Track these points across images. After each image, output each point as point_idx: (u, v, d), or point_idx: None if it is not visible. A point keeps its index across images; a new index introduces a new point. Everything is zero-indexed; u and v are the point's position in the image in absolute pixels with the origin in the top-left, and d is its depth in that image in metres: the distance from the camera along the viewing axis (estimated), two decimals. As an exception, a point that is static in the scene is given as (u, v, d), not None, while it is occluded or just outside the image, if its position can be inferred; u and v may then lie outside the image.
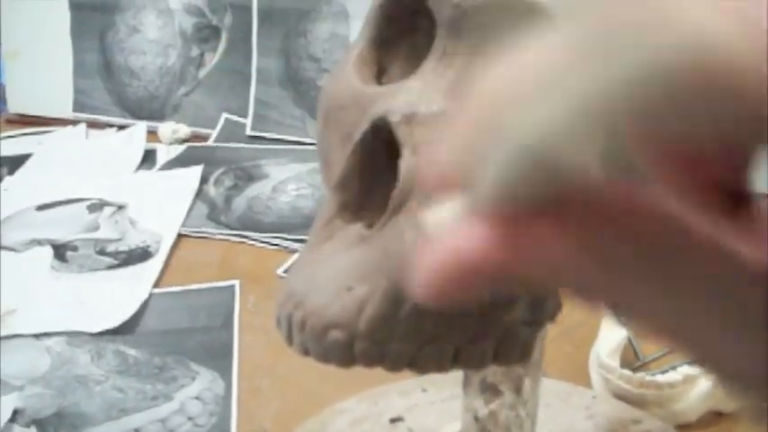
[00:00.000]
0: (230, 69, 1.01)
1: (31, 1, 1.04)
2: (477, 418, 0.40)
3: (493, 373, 0.38)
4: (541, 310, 0.31)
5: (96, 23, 1.04)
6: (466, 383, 0.40)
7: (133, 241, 0.79)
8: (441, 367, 0.30)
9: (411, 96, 0.31)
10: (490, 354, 0.31)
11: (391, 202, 0.30)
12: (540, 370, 0.40)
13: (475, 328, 0.30)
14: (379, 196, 0.31)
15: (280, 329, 0.32)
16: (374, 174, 0.32)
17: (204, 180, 0.89)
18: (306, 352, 0.31)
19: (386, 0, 0.35)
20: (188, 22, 1.01)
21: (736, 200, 0.18)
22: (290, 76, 0.97)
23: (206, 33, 1.01)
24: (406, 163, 0.30)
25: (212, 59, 1.01)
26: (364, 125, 0.32)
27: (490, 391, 0.39)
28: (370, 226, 0.31)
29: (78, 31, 1.04)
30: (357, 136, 0.32)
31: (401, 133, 0.30)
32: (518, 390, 0.39)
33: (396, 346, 0.29)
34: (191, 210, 0.84)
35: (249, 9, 0.98)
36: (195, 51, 1.01)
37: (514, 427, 0.40)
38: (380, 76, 0.35)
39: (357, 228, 0.31)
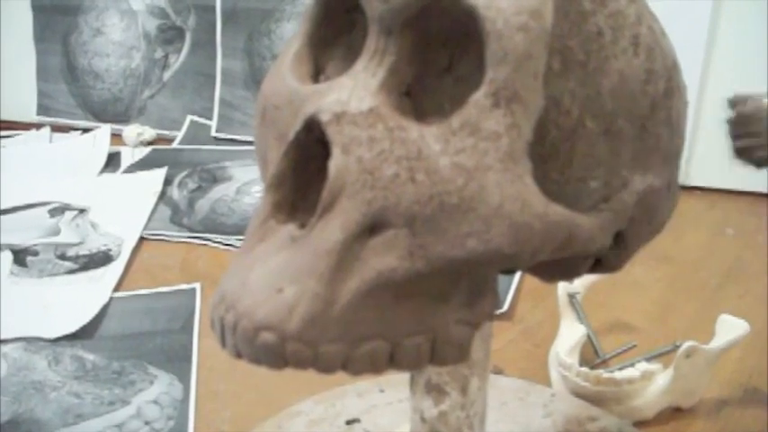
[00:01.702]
0: (195, 71, 1.00)
1: (-8, 4, 1.03)
2: (423, 419, 0.39)
3: (438, 373, 0.38)
4: (478, 309, 0.31)
5: (59, 26, 1.03)
6: (412, 384, 0.39)
7: (94, 245, 0.78)
8: (376, 368, 0.30)
9: (342, 95, 0.30)
10: (426, 354, 0.31)
11: (321, 203, 0.29)
12: (486, 370, 0.39)
13: (409, 328, 0.30)
14: (313, 196, 0.31)
15: (214, 332, 0.32)
16: (308, 174, 0.32)
17: (168, 182, 0.88)
18: (238, 354, 0.31)
19: (322, -3, 0.34)
20: (151, 24, 1.00)
21: None
22: (255, 76, 0.97)
23: (170, 35, 1.00)
24: (335, 162, 0.29)
25: (176, 61, 1.00)
26: (297, 125, 0.31)
27: (436, 391, 0.38)
28: (303, 226, 0.31)
29: (41, 34, 1.04)
30: (290, 136, 0.32)
31: (331, 132, 0.30)
32: (464, 390, 0.38)
33: (327, 347, 0.29)
34: (153, 213, 0.83)
35: (213, 10, 0.98)
36: (159, 53, 1.01)
37: (465, 428, 0.40)
38: (318, 74, 0.35)
39: (289, 228, 0.31)
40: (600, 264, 0.35)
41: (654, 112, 0.33)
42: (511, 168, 0.28)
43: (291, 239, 0.30)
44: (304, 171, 0.32)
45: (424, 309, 0.30)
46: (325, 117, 0.30)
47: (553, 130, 0.30)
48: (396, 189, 0.28)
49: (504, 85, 0.28)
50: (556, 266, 0.33)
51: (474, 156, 0.28)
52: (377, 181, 0.28)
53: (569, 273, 0.34)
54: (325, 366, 0.29)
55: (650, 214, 0.34)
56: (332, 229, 0.29)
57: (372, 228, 0.29)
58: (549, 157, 0.30)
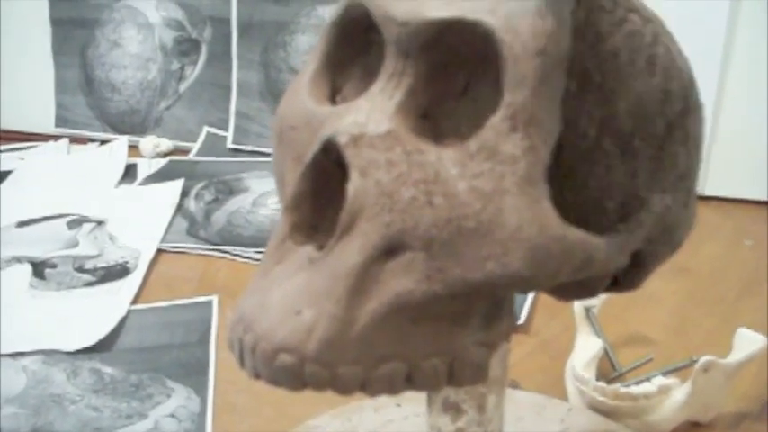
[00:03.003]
0: (210, 82, 1.00)
1: (12, 17, 1.04)
2: (441, 437, 0.39)
3: (455, 391, 0.38)
4: (495, 331, 0.31)
5: (77, 39, 1.04)
6: (429, 402, 0.40)
7: (112, 257, 0.78)
8: (393, 389, 0.30)
9: (359, 117, 0.30)
10: (444, 375, 0.31)
11: (339, 225, 0.29)
12: (503, 387, 0.39)
13: (427, 349, 0.30)
14: (331, 218, 0.31)
15: (232, 352, 0.32)
16: (327, 195, 0.32)
17: (185, 194, 0.89)
18: (257, 375, 0.31)
19: (339, 18, 0.35)
20: (168, 36, 1.01)
21: None
22: (271, 88, 0.97)
23: (186, 47, 1.01)
24: (353, 185, 0.29)
25: (193, 73, 1.01)
26: (315, 146, 0.31)
27: (453, 409, 0.38)
28: (321, 248, 0.31)
29: (59, 47, 1.04)
30: (308, 157, 0.32)
31: (349, 154, 0.30)
32: (481, 408, 0.38)
33: (346, 368, 0.29)
34: (170, 225, 0.84)
35: (228, 22, 0.98)
36: (175, 65, 1.01)
37: (481, 445, 0.40)
38: (335, 95, 0.35)
39: (307, 250, 0.31)
40: (617, 283, 0.35)
41: (671, 131, 0.33)
42: (528, 192, 0.28)
43: (309, 261, 0.30)
44: (322, 192, 0.32)
45: (442, 331, 0.30)
46: (342, 139, 0.30)
47: (570, 151, 0.30)
48: (414, 212, 0.28)
49: (521, 108, 0.28)
50: (573, 287, 0.33)
51: (491, 179, 0.28)
52: (395, 204, 0.29)
53: (586, 292, 0.34)
54: (344, 388, 0.30)
55: (668, 234, 0.34)
56: (350, 252, 0.29)
57: (390, 250, 0.29)
58: (566, 178, 0.31)
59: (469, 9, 0.29)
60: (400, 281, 0.29)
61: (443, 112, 0.31)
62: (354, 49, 0.35)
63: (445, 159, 0.29)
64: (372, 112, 0.30)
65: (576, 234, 0.29)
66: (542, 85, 0.28)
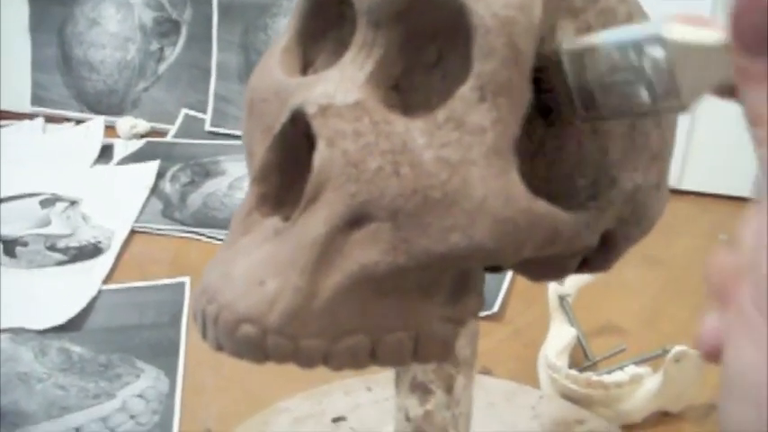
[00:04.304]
0: (190, 64, 1.00)
1: (-12, -7, 1.03)
2: (408, 418, 0.39)
3: (423, 371, 0.37)
4: (462, 307, 0.30)
5: (55, 16, 1.02)
6: (397, 382, 0.39)
7: (84, 237, 0.77)
8: (357, 363, 0.30)
9: (328, 87, 0.30)
10: (409, 350, 0.30)
11: (305, 195, 0.29)
12: (472, 369, 0.39)
13: (391, 323, 0.29)
14: (298, 190, 0.30)
15: (196, 324, 0.32)
16: (295, 167, 0.31)
17: (160, 176, 0.88)
18: (219, 347, 0.30)
19: (312, -10, 0.34)
20: (148, 16, 1.00)
21: None
22: (250, 71, 0.96)
23: (166, 27, 1.00)
24: (320, 155, 0.29)
25: (172, 54, 1.00)
26: (283, 117, 0.31)
27: (421, 390, 0.38)
28: (287, 219, 0.30)
29: (37, 25, 1.03)
30: (277, 128, 0.31)
31: (316, 125, 0.29)
32: (449, 389, 0.38)
33: (308, 341, 0.29)
34: (145, 206, 0.83)
35: (209, 3, 0.97)
36: (155, 46, 1.00)
37: (450, 428, 0.40)
38: (307, 68, 0.35)
39: (274, 221, 0.30)
40: (587, 263, 0.35)
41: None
42: (495, 163, 0.27)
43: (275, 232, 0.30)
44: (290, 164, 0.31)
45: (407, 305, 0.29)
46: (310, 109, 0.30)
47: (541, 126, 0.30)
48: (380, 182, 0.28)
49: (490, 79, 0.28)
50: (542, 265, 0.33)
51: (458, 150, 0.27)
52: (361, 174, 0.28)
53: (556, 272, 0.34)
54: (306, 360, 0.29)
55: (639, 214, 0.34)
56: (315, 222, 0.28)
57: (356, 221, 0.28)
58: (537, 153, 0.30)
59: (441, -22, 0.29)
60: (365, 252, 0.28)
61: (415, 83, 0.31)
62: (327, 22, 0.34)
63: (413, 130, 0.28)
64: (342, 83, 0.30)
65: (543, 207, 0.29)
66: (512, 57, 0.28)
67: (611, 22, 0.31)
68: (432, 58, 0.31)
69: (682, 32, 0.26)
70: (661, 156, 0.34)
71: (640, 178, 0.32)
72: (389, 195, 0.28)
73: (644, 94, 0.27)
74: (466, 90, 0.28)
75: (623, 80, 0.27)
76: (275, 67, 0.34)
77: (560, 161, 0.30)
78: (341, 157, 0.28)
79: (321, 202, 0.29)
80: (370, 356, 0.30)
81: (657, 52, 0.26)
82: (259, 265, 0.29)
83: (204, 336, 0.31)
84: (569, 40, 0.29)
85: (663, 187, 0.35)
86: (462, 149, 0.27)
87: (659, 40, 0.26)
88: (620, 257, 0.36)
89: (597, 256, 0.34)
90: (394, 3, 0.30)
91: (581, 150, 0.31)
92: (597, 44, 0.28)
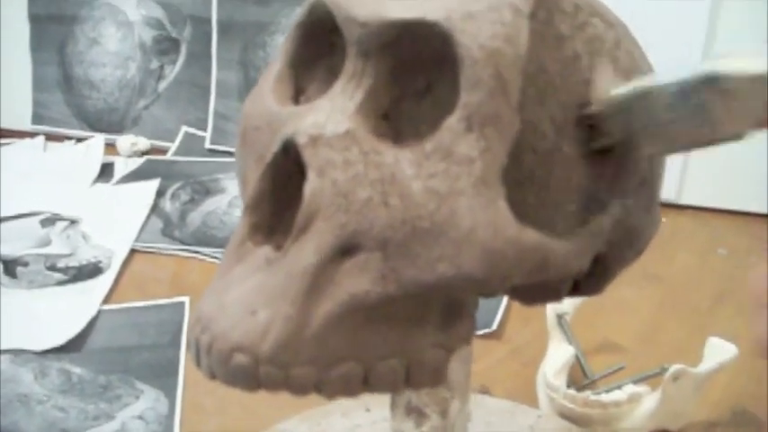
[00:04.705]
0: (190, 82, 1.00)
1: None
2: (403, 441, 0.39)
3: (418, 395, 0.37)
4: (453, 333, 0.31)
5: (55, 35, 1.03)
6: (393, 406, 0.39)
7: (84, 256, 0.78)
8: (349, 391, 0.30)
9: (319, 117, 0.30)
10: (401, 377, 0.30)
11: (296, 225, 0.29)
12: (467, 392, 0.39)
13: (383, 351, 0.30)
14: (291, 219, 0.31)
15: (190, 352, 0.32)
16: (287, 196, 0.32)
17: (161, 194, 0.88)
18: (213, 376, 0.31)
19: (304, 19, 0.35)
20: (148, 35, 1.01)
21: None
22: (250, 88, 0.96)
23: (165, 46, 1.00)
24: (311, 185, 0.29)
25: (172, 72, 1.00)
26: (275, 146, 0.31)
27: (416, 413, 0.38)
28: (279, 248, 0.31)
29: (38, 44, 1.04)
30: (268, 158, 0.31)
31: (307, 155, 0.29)
32: (444, 413, 0.38)
33: (300, 369, 0.29)
34: (145, 224, 0.83)
35: (208, 21, 0.98)
36: (155, 64, 1.01)
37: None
38: (299, 96, 0.35)
39: (266, 250, 0.31)
40: (580, 287, 0.35)
41: (633, 136, 0.32)
42: (483, 193, 0.28)
43: (267, 262, 0.30)
44: (282, 193, 0.32)
45: (398, 332, 0.29)
46: (301, 140, 0.30)
47: (530, 153, 0.30)
48: (369, 213, 0.28)
49: (477, 109, 0.28)
50: (534, 290, 0.33)
51: (446, 180, 0.28)
52: (351, 204, 0.28)
53: (548, 296, 0.34)
54: (298, 388, 0.29)
55: (630, 238, 0.34)
56: (306, 252, 0.29)
57: (346, 251, 0.29)
58: (526, 180, 0.30)
59: (429, 10, 0.29)
60: (355, 281, 0.28)
61: (404, 112, 0.31)
62: (319, 50, 0.35)
63: (402, 160, 0.29)
64: (332, 113, 0.30)
65: (531, 236, 0.29)
66: (499, 86, 0.28)
67: (599, 50, 0.31)
68: (421, 86, 0.31)
69: (734, 65, 0.26)
70: (651, 179, 0.34)
71: (629, 203, 0.33)
72: (378, 226, 0.28)
73: (705, 130, 0.28)
74: (453, 121, 0.28)
75: (681, 118, 0.28)
76: (268, 95, 0.34)
77: (550, 187, 0.31)
78: (331, 186, 0.29)
79: (312, 232, 0.29)
80: (363, 384, 0.30)
81: (714, 89, 0.27)
82: (251, 295, 0.29)
83: (198, 364, 0.31)
84: (616, 87, 0.30)
85: (654, 209, 0.35)
86: (450, 180, 0.28)
87: (715, 78, 0.27)
88: (613, 280, 0.36)
89: (590, 279, 0.35)
90: (382, 34, 0.30)
91: (570, 176, 0.31)
92: (650, 87, 0.29)
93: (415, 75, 0.31)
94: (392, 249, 0.28)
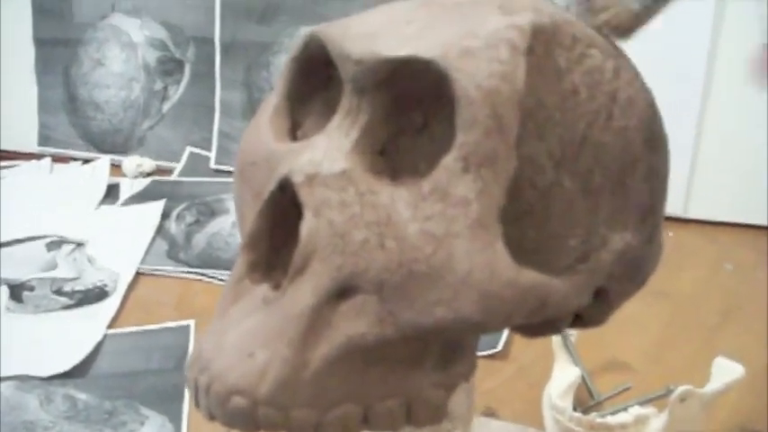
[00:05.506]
0: (194, 102, 1.00)
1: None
2: (407, 473, 0.39)
3: (419, 429, 0.37)
4: (452, 372, 0.30)
5: (60, 58, 1.03)
6: (395, 438, 0.39)
7: (90, 280, 0.78)
8: (349, 431, 0.30)
9: (315, 155, 0.30)
10: (401, 417, 0.30)
11: (292, 266, 0.29)
12: (469, 423, 0.39)
13: (381, 391, 0.29)
14: (288, 256, 0.31)
15: (189, 392, 0.32)
16: (284, 233, 0.31)
17: (166, 215, 0.88)
18: (212, 416, 0.31)
19: (299, 53, 0.34)
20: (151, 56, 1.01)
21: None
22: (254, 108, 0.97)
23: (169, 66, 1.00)
24: (307, 225, 0.29)
25: (176, 92, 1.01)
26: (271, 185, 0.31)
27: (419, 445, 0.38)
28: (277, 287, 0.30)
29: (43, 66, 1.04)
30: (265, 195, 0.31)
31: (303, 194, 0.29)
32: (447, 444, 0.38)
33: (299, 411, 0.29)
34: (150, 247, 0.83)
35: (212, 42, 0.98)
36: (159, 84, 1.01)
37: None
38: (296, 129, 0.35)
39: (263, 289, 0.30)
40: (582, 319, 0.35)
41: (633, 168, 0.32)
42: (480, 235, 0.27)
43: (265, 302, 0.30)
44: (279, 230, 0.32)
45: (397, 373, 0.29)
46: (297, 178, 0.30)
47: (529, 188, 0.30)
48: (365, 255, 0.28)
49: (474, 149, 0.28)
50: (534, 325, 0.32)
51: (443, 223, 0.28)
52: (347, 246, 0.28)
53: (549, 330, 0.34)
54: (297, 430, 0.29)
55: (631, 271, 0.34)
56: (302, 294, 0.29)
57: (342, 292, 0.29)
58: (526, 215, 0.30)
59: (424, 48, 0.29)
60: (352, 324, 0.28)
61: (401, 148, 0.31)
62: (315, 84, 0.35)
63: (398, 200, 0.28)
64: (328, 151, 0.30)
65: (529, 277, 0.29)
66: (495, 126, 0.28)
67: (599, 81, 0.31)
68: (418, 121, 0.31)
69: None
70: (652, 210, 0.34)
71: (630, 236, 0.32)
72: (375, 268, 0.28)
73: None
74: (450, 160, 0.28)
75: None
76: (265, 131, 0.34)
77: (549, 222, 0.30)
78: (327, 227, 0.29)
79: (308, 274, 0.29)
80: (363, 424, 0.30)
81: None
82: (248, 336, 0.29)
83: (197, 404, 0.31)
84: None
85: (655, 240, 0.35)
86: (446, 222, 0.27)
87: None
88: (614, 311, 0.36)
89: (591, 311, 0.34)
90: (377, 72, 0.30)
91: (570, 211, 0.31)
92: None
93: (411, 110, 0.31)
94: (389, 292, 0.28)
